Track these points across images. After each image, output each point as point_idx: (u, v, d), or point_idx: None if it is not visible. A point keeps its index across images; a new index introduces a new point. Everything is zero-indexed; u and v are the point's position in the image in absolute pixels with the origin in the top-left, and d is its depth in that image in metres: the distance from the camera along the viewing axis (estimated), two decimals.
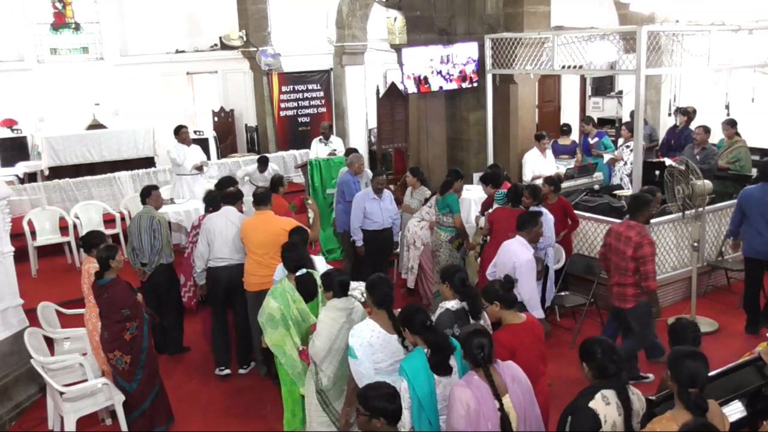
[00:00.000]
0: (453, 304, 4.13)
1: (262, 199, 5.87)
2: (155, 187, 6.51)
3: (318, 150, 9.82)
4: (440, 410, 3.52)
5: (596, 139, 9.57)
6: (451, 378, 3.55)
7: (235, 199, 6.19)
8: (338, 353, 4.10)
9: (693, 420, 2.88)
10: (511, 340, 3.72)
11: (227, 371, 6.16)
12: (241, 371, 6.19)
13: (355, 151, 8.36)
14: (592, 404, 3.08)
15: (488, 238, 6.50)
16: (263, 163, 9.44)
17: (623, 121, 10.64)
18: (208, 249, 5.91)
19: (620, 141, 9.43)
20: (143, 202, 6.40)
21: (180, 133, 8.95)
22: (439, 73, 8.81)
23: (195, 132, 11.64)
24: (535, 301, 5.10)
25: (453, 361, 3.59)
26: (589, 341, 3.30)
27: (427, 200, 7.37)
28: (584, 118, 10.53)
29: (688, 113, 9.47)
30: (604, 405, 3.08)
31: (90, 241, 5.48)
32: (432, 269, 7.03)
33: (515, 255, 5.06)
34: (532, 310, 5.00)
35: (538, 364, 3.82)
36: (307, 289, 4.40)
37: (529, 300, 5.03)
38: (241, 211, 6.21)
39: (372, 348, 3.81)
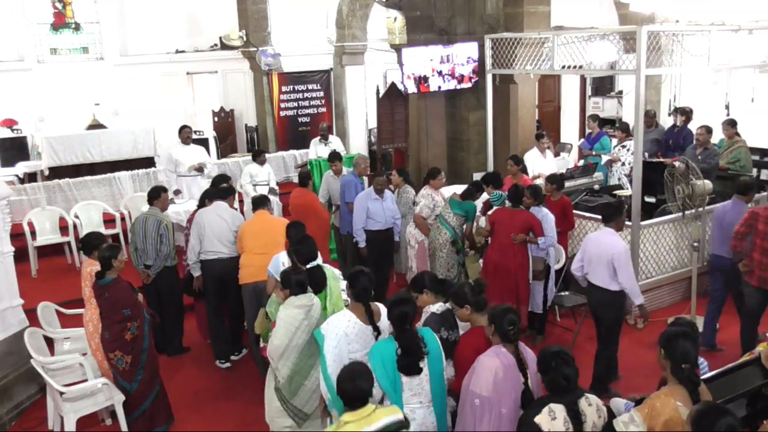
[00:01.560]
0: (437, 308, 4.15)
1: (259, 203, 6.19)
2: (164, 189, 6.52)
3: (318, 150, 9.83)
4: (406, 399, 3.64)
5: (582, 140, 9.61)
6: (420, 377, 3.64)
7: (227, 194, 6.36)
8: (295, 350, 4.16)
9: (703, 402, 3.00)
10: (478, 342, 3.76)
11: (227, 364, 6.26)
12: (233, 357, 6.36)
13: (338, 156, 8.26)
14: (537, 418, 3.10)
15: (489, 239, 6.50)
16: (260, 154, 9.48)
17: (623, 120, 10.63)
18: (200, 243, 6.09)
19: (614, 141, 9.42)
20: (150, 203, 6.40)
21: (182, 133, 8.96)
22: (439, 73, 8.81)
23: (195, 132, 11.62)
24: (636, 289, 5.28)
25: (423, 363, 3.65)
26: (547, 352, 3.26)
27: (414, 202, 7.42)
28: (591, 116, 10.52)
29: (686, 113, 9.48)
30: (549, 420, 3.09)
31: (90, 243, 5.46)
32: (427, 267, 7.00)
33: (612, 246, 5.21)
34: (635, 298, 5.22)
35: None
36: (316, 281, 4.43)
37: (631, 289, 5.24)
38: (232, 206, 6.36)
39: (347, 338, 3.88)
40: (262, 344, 4.65)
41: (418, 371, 3.62)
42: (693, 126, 8.88)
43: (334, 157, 8.21)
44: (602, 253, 5.22)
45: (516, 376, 3.42)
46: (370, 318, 3.95)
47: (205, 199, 6.42)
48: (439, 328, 4.02)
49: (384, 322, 3.99)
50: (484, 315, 3.88)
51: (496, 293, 5.99)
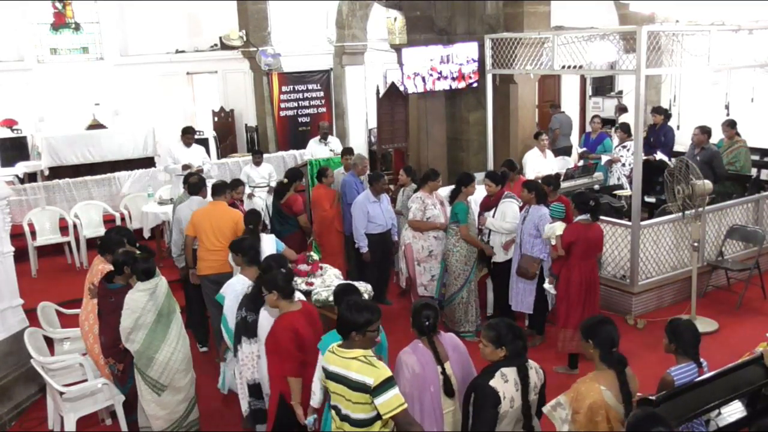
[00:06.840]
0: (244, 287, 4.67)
1: (218, 190, 6.39)
2: (206, 183, 6.84)
3: (314, 151, 9.80)
4: None
5: (584, 149, 9.63)
6: None
7: (198, 188, 6.63)
8: (143, 328, 4.62)
9: (641, 410, 3.13)
10: (293, 323, 4.05)
11: (205, 348, 6.55)
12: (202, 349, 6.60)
13: (350, 151, 8.27)
14: (492, 383, 3.34)
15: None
16: (255, 154, 9.54)
17: (621, 122, 10.62)
18: (181, 236, 6.37)
19: (615, 142, 9.41)
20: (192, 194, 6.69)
21: (183, 135, 8.96)
22: (439, 73, 8.82)
23: (196, 132, 11.62)
24: None
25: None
26: (501, 325, 3.46)
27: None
28: (595, 116, 10.50)
29: (664, 111, 9.54)
30: (503, 383, 3.36)
31: (109, 245, 5.31)
32: (413, 271, 6.83)
33: None
34: None
35: (316, 341, 4.05)
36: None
37: None
38: (204, 196, 6.66)
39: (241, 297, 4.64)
40: None
41: None
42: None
43: (347, 151, 8.25)
44: None
45: (433, 370, 3.57)
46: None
47: (227, 190, 6.48)
48: (241, 308, 4.52)
49: None
50: (291, 302, 4.19)
51: (587, 310, 5.80)
